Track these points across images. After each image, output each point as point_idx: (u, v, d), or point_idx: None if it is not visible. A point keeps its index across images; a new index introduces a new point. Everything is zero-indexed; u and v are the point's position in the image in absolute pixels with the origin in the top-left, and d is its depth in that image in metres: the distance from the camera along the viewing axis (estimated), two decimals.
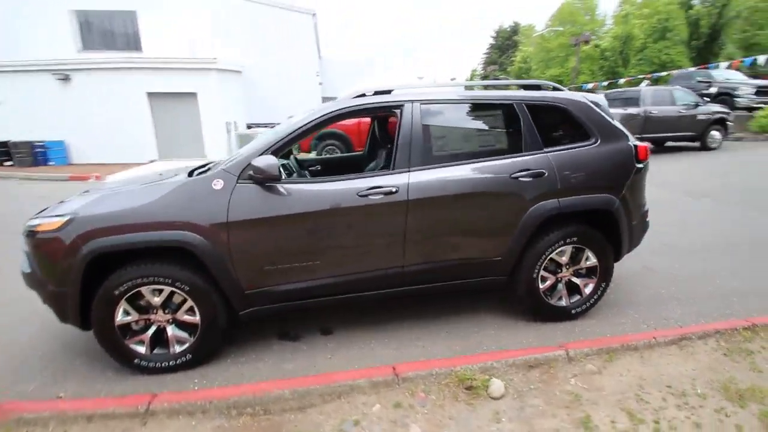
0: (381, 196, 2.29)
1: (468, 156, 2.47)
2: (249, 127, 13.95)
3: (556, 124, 2.63)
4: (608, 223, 2.66)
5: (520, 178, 2.45)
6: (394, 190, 2.30)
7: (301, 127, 2.32)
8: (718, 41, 20.93)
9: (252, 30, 15.98)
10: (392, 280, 2.46)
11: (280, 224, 2.22)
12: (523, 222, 2.48)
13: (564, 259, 2.65)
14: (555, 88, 2.79)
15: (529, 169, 2.47)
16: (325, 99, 16.02)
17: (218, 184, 2.18)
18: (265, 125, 13.38)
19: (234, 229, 2.15)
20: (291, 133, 2.31)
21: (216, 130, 13.02)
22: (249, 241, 2.20)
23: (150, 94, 12.89)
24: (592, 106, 2.67)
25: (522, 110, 2.55)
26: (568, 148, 2.57)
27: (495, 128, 2.58)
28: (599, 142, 2.60)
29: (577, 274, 2.72)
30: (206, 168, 2.66)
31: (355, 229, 2.32)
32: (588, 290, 2.72)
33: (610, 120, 2.68)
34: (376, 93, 2.47)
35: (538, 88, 2.73)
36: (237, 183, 2.19)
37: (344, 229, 2.30)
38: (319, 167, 3.83)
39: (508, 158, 2.49)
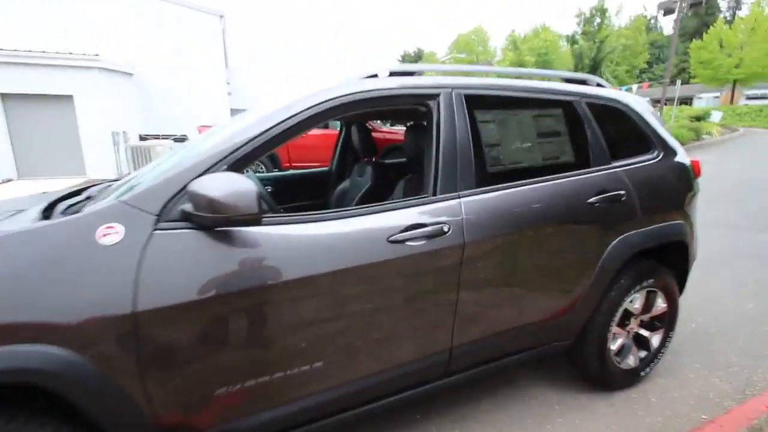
0: (423, 241, 1.37)
1: (530, 173, 1.68)
2: (143, 138, 11.65)
3: (616, 130, 2.00)
4: (675, 256, 2.09)
5: (597, 204, 1.74)
6: (445, 228, 1.40)
7: (283, 122, 1.29)
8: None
9: (147, 28, 13.66)
10: (432, 371, 1.54)
11: (256, 304, 1.16)
12: (602, 263, 1.76)
13: (636, 307, 2.01)
14: (600, 85, 2.18)
15: (605, 191, 1.77)
16: (234, 111, 14.31)
17: (111, 234, 1.04)
18: (165, 137, 11.32)
19: (151, 325, 1.04)
20: (263, 133, 1.27)
21: (100, 142, 10.56)
22: (185, 348, 1.09)
23: (4, 96, 10.01)
24: (652, 110, 2.12)
25: (584, 110, 1.87)
26: (636, 163, 1.95)
27: (556, 133, 1.85)
28: (661, 155, 2.04)
29: (644, 324, 2.10)
30: (80, 197, 1.45)
31: (383, 299, 1.36)
32: (656, 343, 2.11)
33: (665, 129, 2.15)
34: (393, 74, 1.56)
35: (583, 83, 2.10)
36: (156, 230, 1.08)
37: (367, 301, 1.33)
38: (269, 189, 2.73)
39: (577, 176, 1.76)
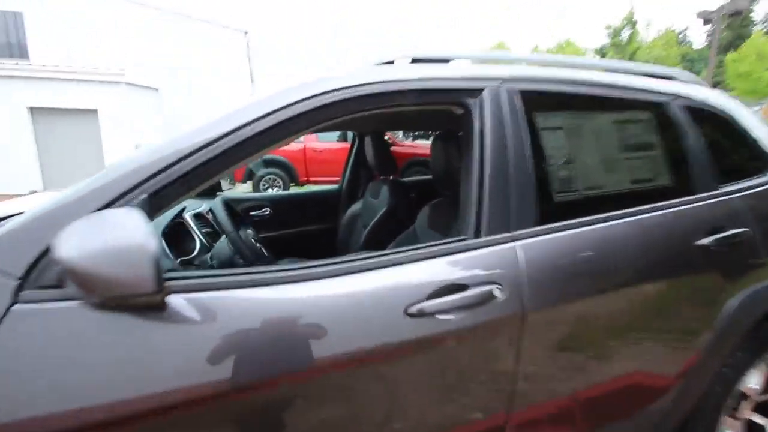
0: (461, 314, 0.88)
1: (613, 202, 1.17)
2: None
3: (720, 144, 1.47)
4: None
5: (710, 246, 1.21)
6: (495, 291, 0.91)
7: (246, 126, 0.84)
8: None
9: (173, 45, 13.92)
10: None
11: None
12: (719, 329, 1.22)
13: (755, 387, 1.43)
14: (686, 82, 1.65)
15: (722, 229, 1.24)
16: None
17: None
18: None
19: None
20: (212, 143, 0.82)
21: (123, 155, 10.60)
22: None
23: (33, 110, 10.25)
24: (760, 118, 1.58)
25: (680, 116, 1.35)
26: (753, 187, 1.41)
27: (646, 147, 1.33)
28: None
29: (761, 407, 1.52)
30: None
31: (395, 401, 0.87)
32: None
33: None
34: (416, 62, 1.11)
35: (670, 79, 1.58)
36: (17, 303, 0.64)
37: (369, 405, 0.85)
38: (268, 212, 2.31)
39: (678, 206, 1.24)
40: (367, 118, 1.02)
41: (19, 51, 12.66)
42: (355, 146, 2.47)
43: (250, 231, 1.30)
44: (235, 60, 15.02)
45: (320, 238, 2.46)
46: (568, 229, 1.05)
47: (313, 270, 0.84)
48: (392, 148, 8.06)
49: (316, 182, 7.77)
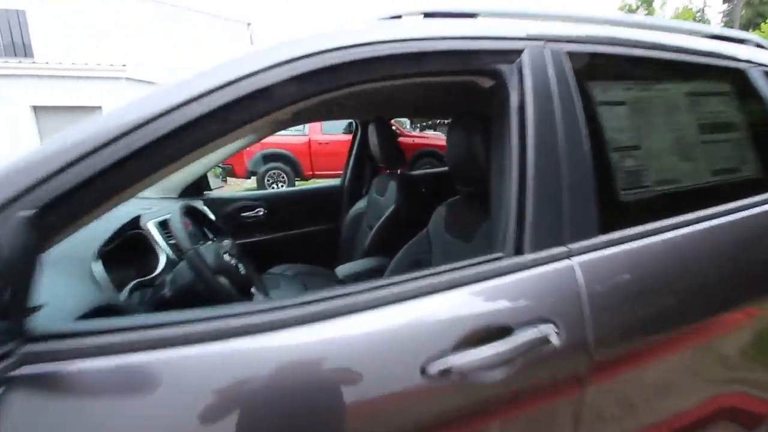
0: (502, 371, 0.61)
1: (694, 200, 0.89)
2: None
3: None
4: None
5: None
6: (549, 334, 0.64)
7: (183, 105, 0.58)
8: None
9: (174, 44, 13.69)
10: None
11: None
12: None
13: None
14: (759, 46, 1.33)
15: None
16: None
17: None
18: None
19: None
20: (125, 134, 0.55)
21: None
22: None
23: (37, 108, 10.17)
24: None
25: (764, 86, 1.05)
26: None
27: (727, 127, 1.03)
28: None
29: None
30: None
31: None
32: None
33: None
34: (430, 16, 0.83)
35: (741, 43, 1.26)
36: None
37: None
38: (262, 213, 2.06)
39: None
40: (366, 99, 0.75)
41: (24, 50, 12.64)
42: (358, 136, 2.20)
43: (227, 242, 1.05)
44: (237, 51, 14.74)
45: (321, 239, 2.21)
46: (644, 238, 0.77)
47: (288, 312, 0.58)
48: (398, 139, 7.83)
49: (322, 176, 7.51)
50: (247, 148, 7.34)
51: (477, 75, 0.81)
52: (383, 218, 1.68)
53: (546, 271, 0.70)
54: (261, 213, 2.08)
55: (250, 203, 2.06)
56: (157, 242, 1.09)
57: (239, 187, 8.50)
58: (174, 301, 0.83)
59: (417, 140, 7.87)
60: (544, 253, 0.71)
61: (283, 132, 7.91)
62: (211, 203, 1.99)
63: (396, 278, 0.65)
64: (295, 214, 2.16)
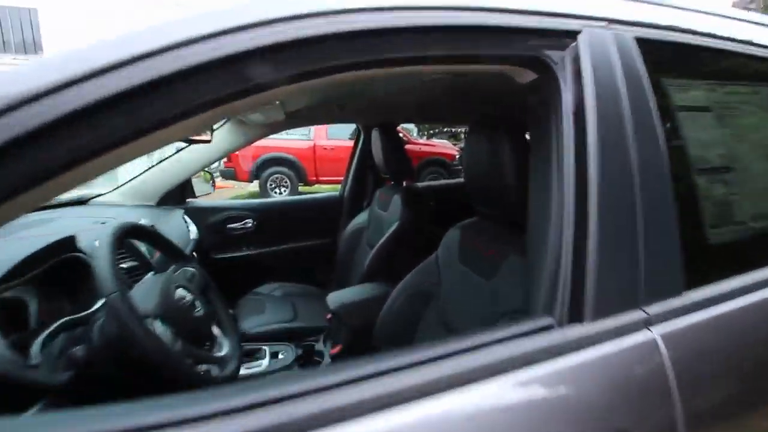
0: None
1: None
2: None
3: None
4: None
5: None
6: None
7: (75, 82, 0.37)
8: None
9: None
10: None
11: None
12: None
13: None
14: None
15: None
16: None
17: None
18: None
19: None
20: None
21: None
22: None
23: None
24: None
25: None
26: None
27: None
28: None
29: None
30: None
31: None
32: None
33: None
34: None
35: None
36: None
37: None
38: (250, 224, 1.86)
39: None
40: (369, 99, 0.58)
41: (34, 47, 12.72)
42: (360, 142, 1.99)
43: (186, 272, 0.83)
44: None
45: (316, 256, 1.99)
46: (751, 294, 0.55)
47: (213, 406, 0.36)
48: (405, 147, 7.62)
49: (326, 182, 7.33)
50: (251, 152, 7.20)
51: (512, 63, 0.60)
52: (385, 237, 1.46)
53: (617, 351, 0.47)
54: (249, 225, 1.87)
55: (238, 213, 1.86)
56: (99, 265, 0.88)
57: (241, 192, 8.33)
58: (99, 362, 0.61)
59: (424, 148, 7.67)
60: (612, 321, 0.49)
61: (287, 135, 7.76)
62: (194, 212, 1.78)
63: (388, 361, 0.43)
64: (288, 226, 1.94)
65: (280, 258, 1.93)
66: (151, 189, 1.68)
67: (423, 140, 8.55)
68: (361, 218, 1.83)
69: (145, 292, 0.72)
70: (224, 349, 0.83)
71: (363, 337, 1.21)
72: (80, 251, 0.84)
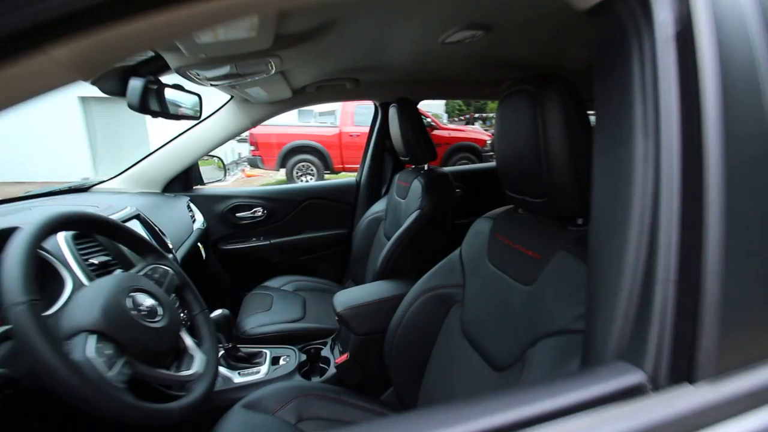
0: None
1: None
2: None
3: None
4: None
5: None
6: None
7: None
8: None
9: None
10: None
11: None
12: None
13: None
14: None
15: None
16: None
17: None
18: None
19: None
20: None
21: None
22: None
23: (83, 99, 10.55)
24: None
25: None
26: None
27: None
28: None
29: None
30: None
31: None
32: None
33: None
34: None
35: None
36: None
37: None
38: (260, 213, 1.73)
39: None
40: (386, 70, 0.47)
41: None
42: (378, 122, 1.79)
43: (163, 268, 0.69)
44: None
45: (331, 248, 1.84)
46: None
47: None
48: (433, 133, 7.30)
49: (352, 170, 7.20)
50: (277, 140, 7.17)
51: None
52: (402, 228, 1.28)
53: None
54: (259, 213, 1.73)
55: (247, 201, 1.72)
56: (63, 262, 0.76)
57: (269, 180, 8.34)
58: (20, 390, 0.48)
59: (453, 133, 7.33)
60: (744, 382, 0.28)
61: (313, 123, 7.65)
62: (201, 200, 1.67)
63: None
64: (301, 216, 1.80)
65: (292, 249, 1.79)
66: (155, 175, 1.57)
67: (453, 126, 8.21)
68: (378, 207, 1.65)
69: (89, 299, 0.58)
70: (194, 365, 0.69)
71: (372, 346, 1.05)
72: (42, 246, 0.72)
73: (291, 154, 7.19)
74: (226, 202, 1.70)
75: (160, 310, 0.65)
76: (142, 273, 0.73)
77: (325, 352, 1.20)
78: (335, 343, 1.22)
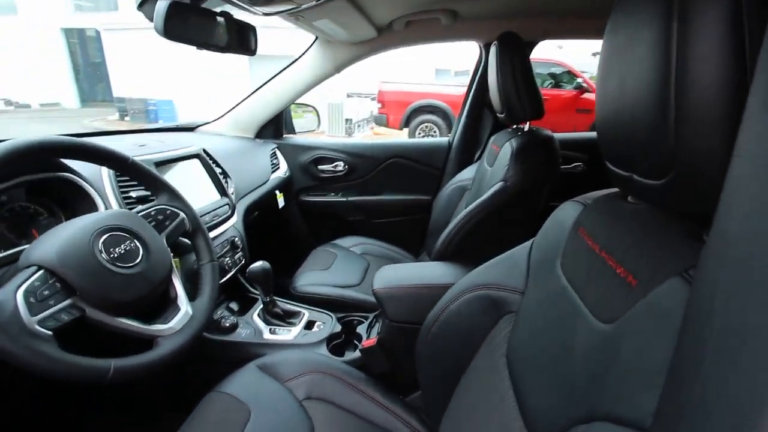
0: None
1: None
2: (349, 96, 12.07)
3: None
4: None
5: None
6: None
7: None
8: None
9: None
10: None
11: None
12: None
13: None
14: None
15: None
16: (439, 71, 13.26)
17: None
18: (368, 96, 11.33)
19: None
20: None
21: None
22: None
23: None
24: None
25: None
26: None
27: None
28: None
29: None
30: None
31: None
32: None
33: None
34: None
35: None
36: None
37: None
38: (341, 168, 1.64)
39: None
40: None
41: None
42: (480, 66, 1.46)
43: (172, 210, 0.64)
44: None
45: (410, 214, 1.66)
46: None
47: None
48: (584, 96, 6.13)
49: None
50: (403, 98, 7.04)
51: None
52: (478, 202, 1.01)
53: None
54: (340, 168, 1.65)
55: (329, 154, 1.65)
56: (98, 189, 0.77)
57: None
58: None
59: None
60: None
61: (441, 82, 7.26)
62: (288, 149, 1.66)
63: None
64: (383, 175, 1.65)
65: (369, 210, 1.67)
66: (248, 120, 1.61)
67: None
68: (467, 174, 1.38)
69: (57, 233, 0.54)
70: (174, 319, 0.63)
71: (405, 337, 0.87)
72: (76, 173, 0.74)
73: (415, 114, 7.01)
74: (310, 153, 1.66)
75: (139, 255, 0.60)
76: (143, 213, 0.68)
77: (362, 328, 1.07)
78: (376, 320, 1.08)
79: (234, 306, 1.13)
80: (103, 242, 0.57)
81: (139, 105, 12.20)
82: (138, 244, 0.61)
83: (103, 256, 0.56)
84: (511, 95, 1.05)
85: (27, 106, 14.63)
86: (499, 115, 1.16)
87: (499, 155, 1.08)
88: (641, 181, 0.40)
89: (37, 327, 0.46)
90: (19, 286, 0.47)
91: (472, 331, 0.70)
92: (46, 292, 0.48)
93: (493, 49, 1.09)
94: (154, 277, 0.61)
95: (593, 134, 1.76)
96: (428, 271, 0.95)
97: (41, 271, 0.50)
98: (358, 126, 9.73)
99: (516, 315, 0.64)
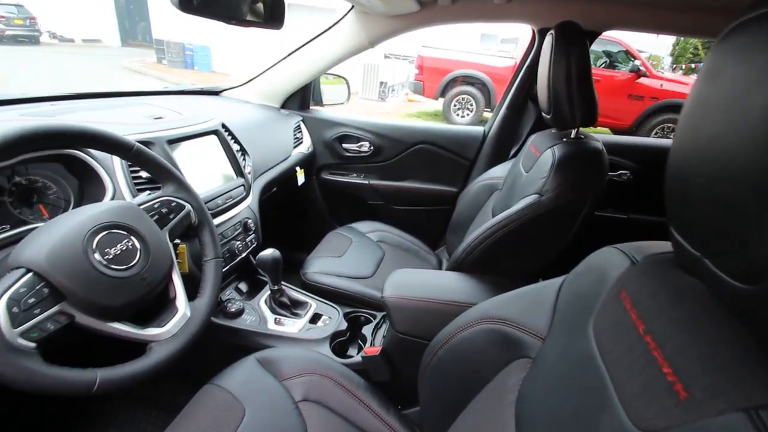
0: None
1: None
2: (387, 57, 11.62)
3: None
4: None
5: None
6: None
7: None
8: None
9: None
10: None
11: None
12: None
13: None
14: None
15: None
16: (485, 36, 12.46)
17: None
18: (405, 58, 10.87)
19: None
20: None
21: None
22: None
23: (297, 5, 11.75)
24: None
25: None
26: None
27: None
28: None
29: None
30: None
31: None
32: None
33: None
34: None
35: None
36: None
37: None
38: (366, 148, 1.56)
39: None
40: None
41: None
42: (531, 54, 1.31)
43: (177, 201, 0.60)
44: None
45: (435, 206, 1.58)
46: None
47: None
48: (639, 81, 5.63)
49: None
50: (442, 66, 6.67)
51: None
52: (508, 212, 0.93)
53: None
54: (365, 149, 1.57)
55: (355, 132, 1.57)
56: (107, 169, 0.73)
57: (427, 110, 8.01)
58: None
59: (666, 85, 5.55)
60: None
61: (485, 49, 6.80)
62: (313, 123, 1.59)
63: None
64: (409, 160, 1.56)
65: (390, 195, 1.60)
66: (274, 90, 1.53)
67: (671, 76, 6.20)
68: (498, 171, 1.28)
69: (48, 231, 0.51)
70: (170, 323, 0.60)
71: (410, 350, 0.82)
72: (85, 150, 0.70)
73: (453, 84, 6.67)
74: (335, 129, 1.58)
75: (137, 256, 0.56)
76: (145, 205, 0.65)
77: (368, 329, 1.03)
78: (383, 321, 1.05)
79: (243, 287, 1.11)
80: (98, 242, 0.53)
81: (176, 49, 12.18)
82: (136, 242, 0.57)
83: (98, 257, 0.52)
84: (562, 96, 0.92)
85: (71, 40, 14.92)
86: (544, 114, 1.04)
87: (539, 161, 0.97)
88: (719, 276, 0.32)
89: (19, 340, 0.44)
90: (2, 295, 0.44)
91: (482, 366, 0.65)
92: (32, 300, 0.46)
93: (548, 39, 0.95)
94: (152, 278, 0.58)
95: (645, 139, 1.59)
96: (443, 285, 0.89)
97: (29, 275, 0.47)
98: (393, 90, 9.37)
99: (532, 363, 0.58)
